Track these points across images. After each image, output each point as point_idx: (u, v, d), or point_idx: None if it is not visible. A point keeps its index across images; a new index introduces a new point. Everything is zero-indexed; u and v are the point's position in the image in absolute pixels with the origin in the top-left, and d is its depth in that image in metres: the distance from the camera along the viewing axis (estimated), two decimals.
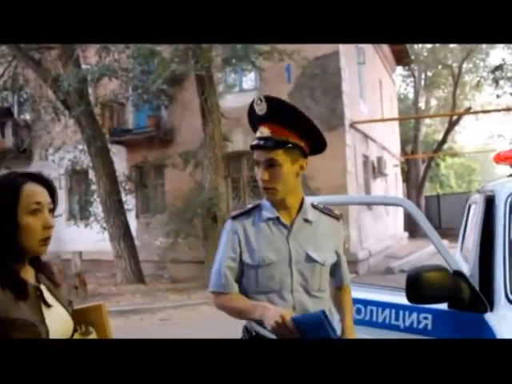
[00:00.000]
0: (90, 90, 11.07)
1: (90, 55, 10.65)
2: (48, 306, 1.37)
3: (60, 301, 1.44)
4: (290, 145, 1.77)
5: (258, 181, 1.83)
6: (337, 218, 1.96)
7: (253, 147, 1.82)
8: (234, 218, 1.90)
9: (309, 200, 1.94)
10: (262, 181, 1.79)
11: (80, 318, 1.50)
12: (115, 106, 12.27)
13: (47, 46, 10.73)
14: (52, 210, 1.42)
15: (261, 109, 1.78)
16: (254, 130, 1.89)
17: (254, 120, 1.85)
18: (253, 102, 1.82)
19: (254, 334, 1.84)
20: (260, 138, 1.79)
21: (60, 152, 11.34)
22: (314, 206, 1.93)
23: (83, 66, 10.66)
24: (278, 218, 1.84)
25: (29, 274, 1.39)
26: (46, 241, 1.38)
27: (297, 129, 1.79)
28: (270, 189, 1.79)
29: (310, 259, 1.84)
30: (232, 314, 1.85)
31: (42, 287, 1.40)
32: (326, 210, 1.95)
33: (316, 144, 1.86)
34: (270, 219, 1.85)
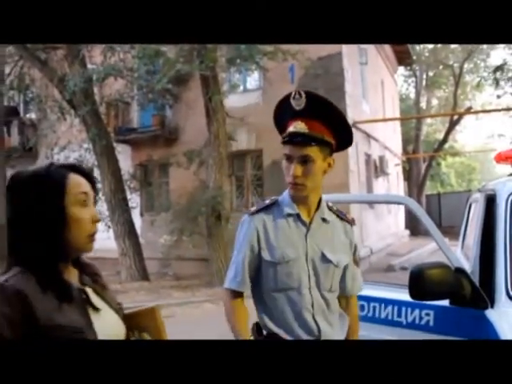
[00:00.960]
0: (96, 90, 11.07)
1: (96, 55, 10.64)
2: (96, 309, 1.24)
3: (109, 304, 1.31)
4: (325, 142, 1.73)
5: (286, 175, 1.77)
6: (349, 222, 1.92)
7: (287, 142, 1.75)
8: (253, 214, 1.85)
9: (325, 199, 1.91)
10: (292, 176, 1.73)
11: (132, 323, 1.37)
12: (120, 105, 12.30)
13: (53, 46, 10.74)
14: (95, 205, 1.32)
15: (299, 103, 1.71)
16: (282, 124, 1.83)
17: (286, 114, 1.78)
18: (289, 95, 1.75)
19: (264, 332, 1.83)
20: (296, 134, 1.72)
21: (65, 151, 11.31)
22: (329, 208, 1.89)
23: (89, 66, 10.69)
24: (298, 215, 1.81)
25: (72, 276, 1.26)
26: (93, 236, 1.26)
27: (333, 126, 1.74)
28: (300, 185, 1.74)
29: (325, 259, 1.81)
30: (227, 320, 1.84)
31: (88, 290, 1.28)
32: (340, 214, 1.91)
33: (342, 142, 1.82)
34: (290, 215, 1.81)
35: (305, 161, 1.71)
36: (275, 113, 1.85)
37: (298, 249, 1.79)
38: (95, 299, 1.27)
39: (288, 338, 1.76)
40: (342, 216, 1.91)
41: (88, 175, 1.31)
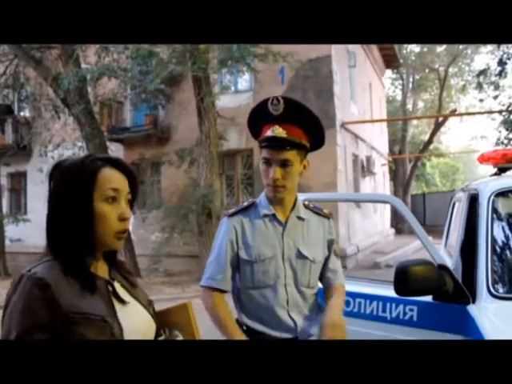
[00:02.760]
0: (90, 89, 11.10)
1: (90, 55, 10.70)
2: (122, 302, 1.23)
3: (138, 300, 1.30)
4: (302, 146, 1.79)
5: (265, 177, 1.81)
6: (326, 216, 1.96)
7: (266, 147, 1.78)
8: (231, 215, 1.90)
9: (300, 197, 1.96)
10: (273, 179, 1.77)
11: (164, 320, 1.35)
12: (114, 104, 12.31)
13: (48, 46, 10.80)
14: (131, 202, 1.29)
15: (276, 108, 1.74)
16: (256, 128, 1.85)
17: (262, 119, 1.81)
18: (266, 100, 1.78)
19: (244, 328, 1.85)
20: (275, 138, 1.75)
21: (59, 149, 11.21)
22: (305, 206, 1.93)
23: (83, 66, 10.73)
24: (274, 215, 1.85)
25: (101, 270, 1.26)
26: (121, 234, 1.23)
27: (309, 130, 1.79)
28: (281, 187, 1.79)
29: (300, 255, 1.85)
30: (211, 319, 1.83)
31: (116, 284, 1.27)
32: (316, 210, 1.95)
33: (316, 144, 1.87)
34: (266, 216, 1.86)
35: (284, 164, 1.76)
36: (250, 117, 1.88)
37: (275, 247, 1.83)
38: (122, 293, 1.27)
39: (264, 332, 1.82)
40: (318, 212, 1.95)
41: (128, 171, 1.28)
